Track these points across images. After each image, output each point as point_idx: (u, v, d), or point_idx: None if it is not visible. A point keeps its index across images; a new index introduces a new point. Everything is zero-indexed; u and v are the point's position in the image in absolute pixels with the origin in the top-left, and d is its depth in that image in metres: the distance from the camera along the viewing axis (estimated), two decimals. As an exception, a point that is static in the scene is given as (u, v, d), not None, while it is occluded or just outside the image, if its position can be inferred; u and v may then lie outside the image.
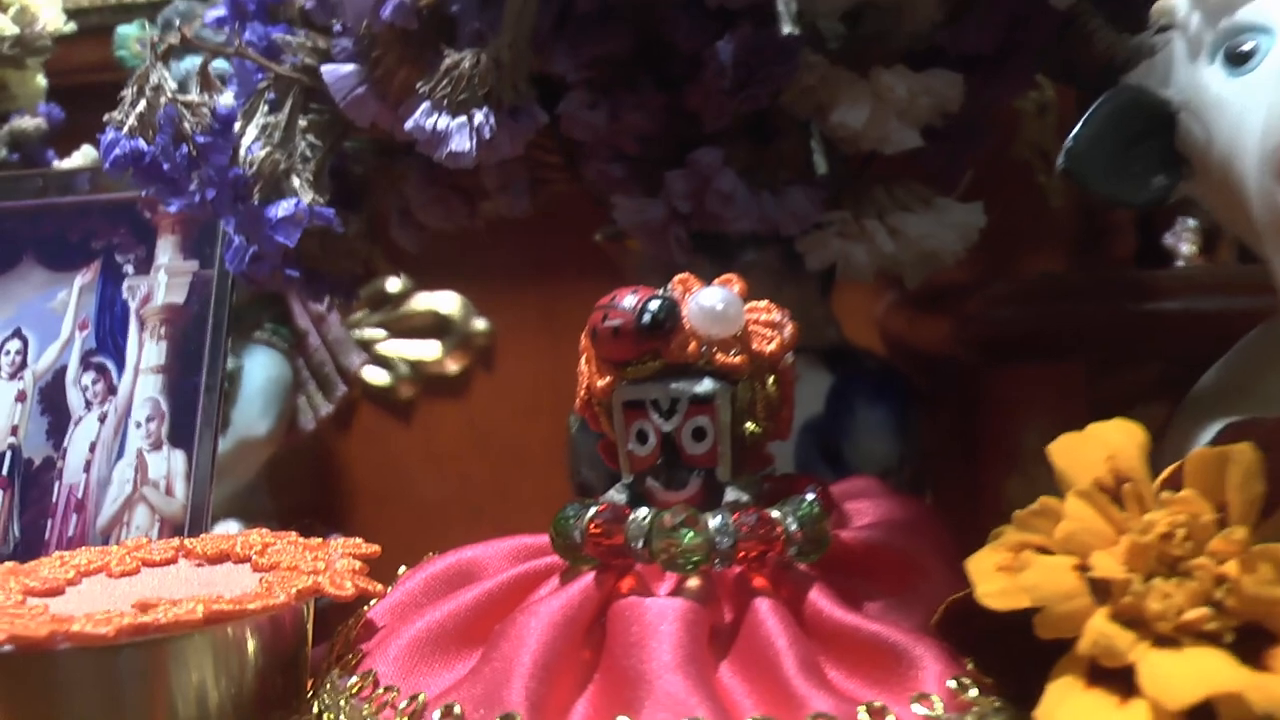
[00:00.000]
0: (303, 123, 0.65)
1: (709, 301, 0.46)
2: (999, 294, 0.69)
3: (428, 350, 1.00)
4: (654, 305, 0.46)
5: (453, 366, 1.01)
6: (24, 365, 0.67)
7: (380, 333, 1.01)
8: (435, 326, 1.01)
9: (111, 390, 0.65)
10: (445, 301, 1.00)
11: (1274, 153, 0.38)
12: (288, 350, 0.89)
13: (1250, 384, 0.47)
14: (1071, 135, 0.44)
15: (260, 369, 0.87)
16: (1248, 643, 0.37)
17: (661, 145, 0.61)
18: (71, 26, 0.94)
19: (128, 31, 0.96)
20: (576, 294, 0.95)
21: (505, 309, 1.00)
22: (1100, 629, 0.38)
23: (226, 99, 0.63)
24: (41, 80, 0.95)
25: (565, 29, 0.59)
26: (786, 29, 0.60)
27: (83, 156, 0.91)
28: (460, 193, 0.68)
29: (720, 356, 0.46)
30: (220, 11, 0.69)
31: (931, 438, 0.71)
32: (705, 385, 0.46)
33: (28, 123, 0.95)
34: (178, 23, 0.94)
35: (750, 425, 0.47)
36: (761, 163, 0.61)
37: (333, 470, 1.01)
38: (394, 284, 1.01)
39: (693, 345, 0.46)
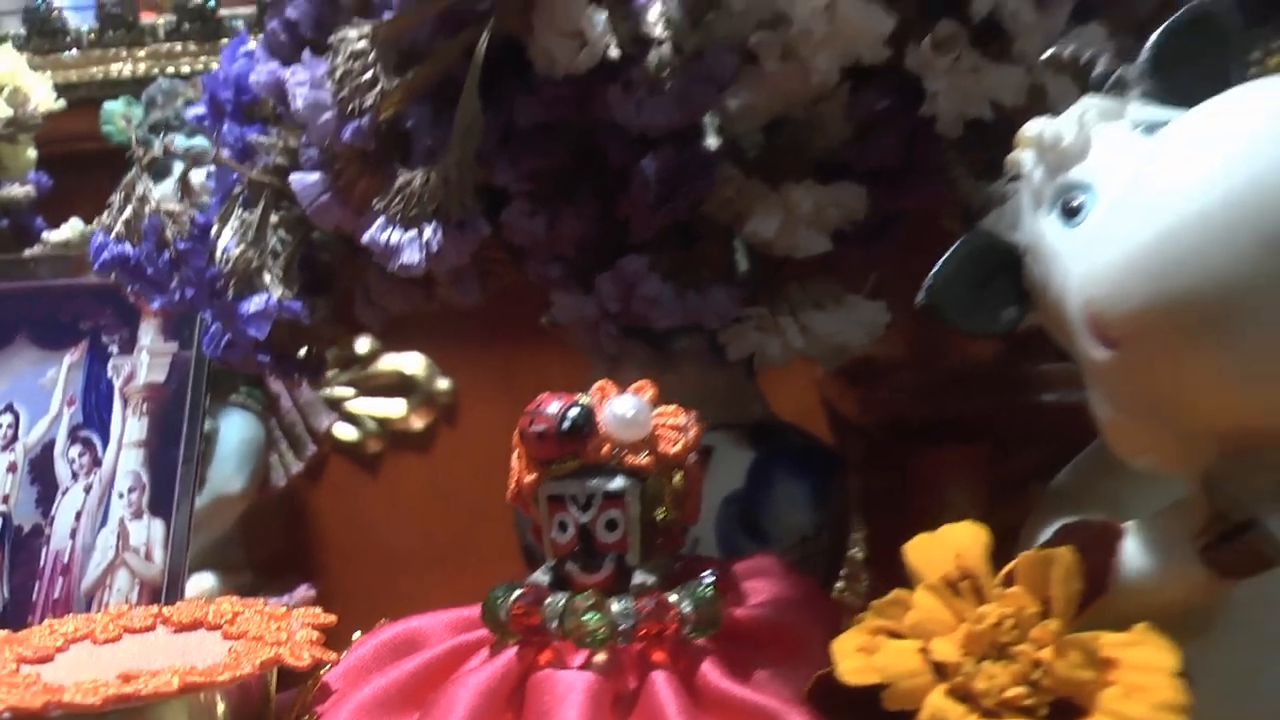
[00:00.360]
0: (274, 219, 0.72)
1: (621, 409, 0.54)
2: (904, 382, 0.77)
3: (394, 408, 1.08)
4: (573, 413, 0.54)
5: (417, 423, 1.08)
6: (15, 438, 0.74)
7: (349, 391, 1.08)
8: (401, 385, 1.08)
9: (96, 463, 0.72)
10: (410, 362, 1.08)
11: (1085, 309, 0.45)
12: (261, 412, 0.97)
13: (1091, 485, 0.54)
14: (931, 274, 0.51)
15: (235, 430, 0.95)
16: (1059, 717, 0.45)
17: (596, 249, 0.69)
18: (61, 104, 1.02)
19: (114, 108, 1.03)
20: (533, 357, 1.03)
21: (467, 370, 1.08)
22: (936, 703, 0.46)
23: (204, 200, 0.70)
24: (31, 152, 1.03)
25: (508, 145, 0.67)
26: (710, 142, 0.68)
27: (70, 229, 0.99)
28: (418, 282, 0.75)
29: (630, 458, 0.54)
30: (200, 110, 0.77)
31: (849, 506, 0.79)
32: (617, 482, 0.54)
33: (17, 191, 1.02)
34: (160, 100, 1.01)
35: (659, 514, 0.55)
36: (686, 265, 0.68)
37: (304, 521, 1.09)
38: (363, 345, 1.09)
39: (606, 448, 0.54)
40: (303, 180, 0.68)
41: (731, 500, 0.73)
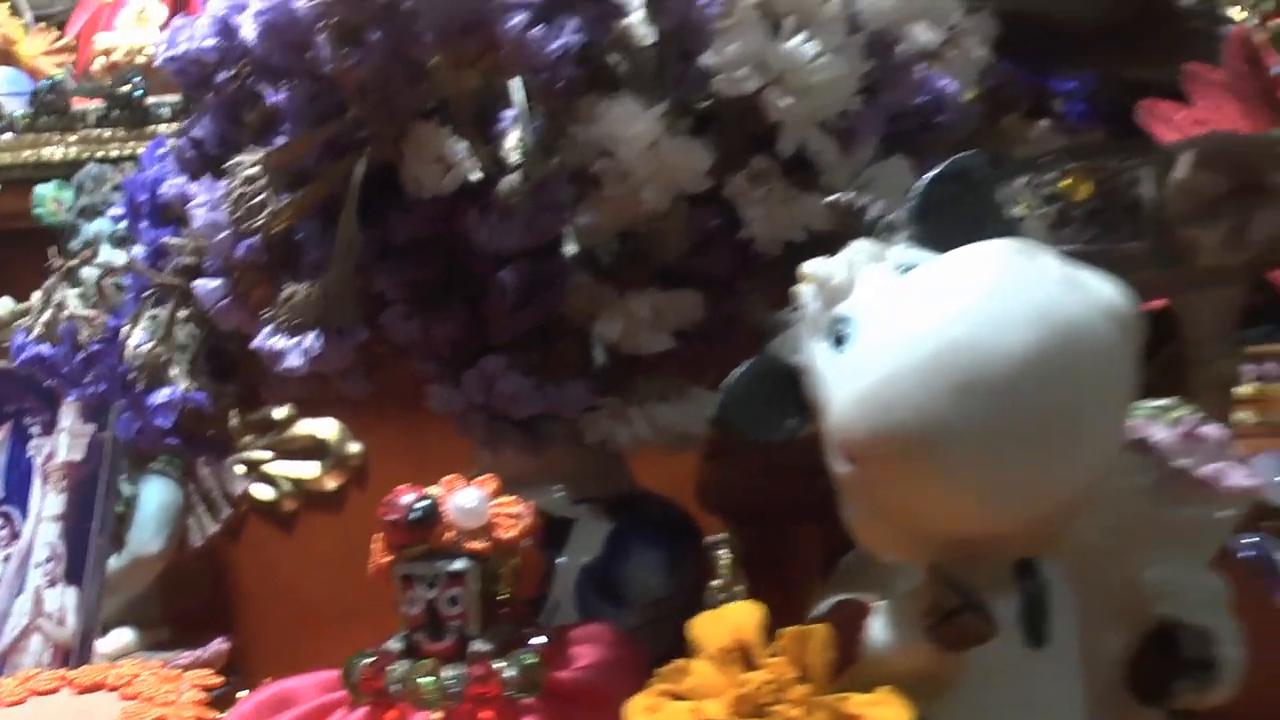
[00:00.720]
0: (183, 314, 0.82)
1: (462, 501, 0.64)
2: (752, 465, 0.86)
3: (308, 470, 1.18)
4: (420, 505, 0.64)
5: (330, 484, 1.18)
6: (-62, 513, 0.84)
7: (267, 454, 1.18)
8: (315, 449, 1.18)
9: (15, 535, 0.82)
10: (324, 427, 1.18)
11: (835, 434, 0.55)
12: (179, 478, 1.06)
13: (867, 566, 0.64)
14: (723, 389, 0.61)
15: (154, 495, 1.04)
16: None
17: (467, 348, 0.78)
18: (-2, 186, 1.11)
19: (45, 191, 1.13)
20: (438, 423, 1.12)
21: (376, 434, 1.18)
22: (706, 754, 0.56)
23: (118, 300, 0.80)
24: (-36, 230, 1.12)
25: (386, 258, 0.77)
26: (569, 249, 0.78)
27: (1, 307, 1.08)
28: (311, 376, 0.85)
29: (470, 543, 0.64)
30: (119, 211, 0.87)
31: (705, 570, 0.89)
32: (458, 564, 0.64)
33: (-51, 269, 1.11)
34: (90, 185, 1.11)
35: (498, 590, 0.65)
36: (544, 362, 0.78)
37: (223, 577, 1.18)
38: (279, 411, 1.18)
39: (449, 534, 0.64)
40: (205, 286, 0.78)
41: (589, 568, 0.83)
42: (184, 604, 1.11)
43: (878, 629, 0.57)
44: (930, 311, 0.52)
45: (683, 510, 0.90)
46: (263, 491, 1.17)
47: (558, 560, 0.84)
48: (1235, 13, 1.04)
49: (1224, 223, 0.80)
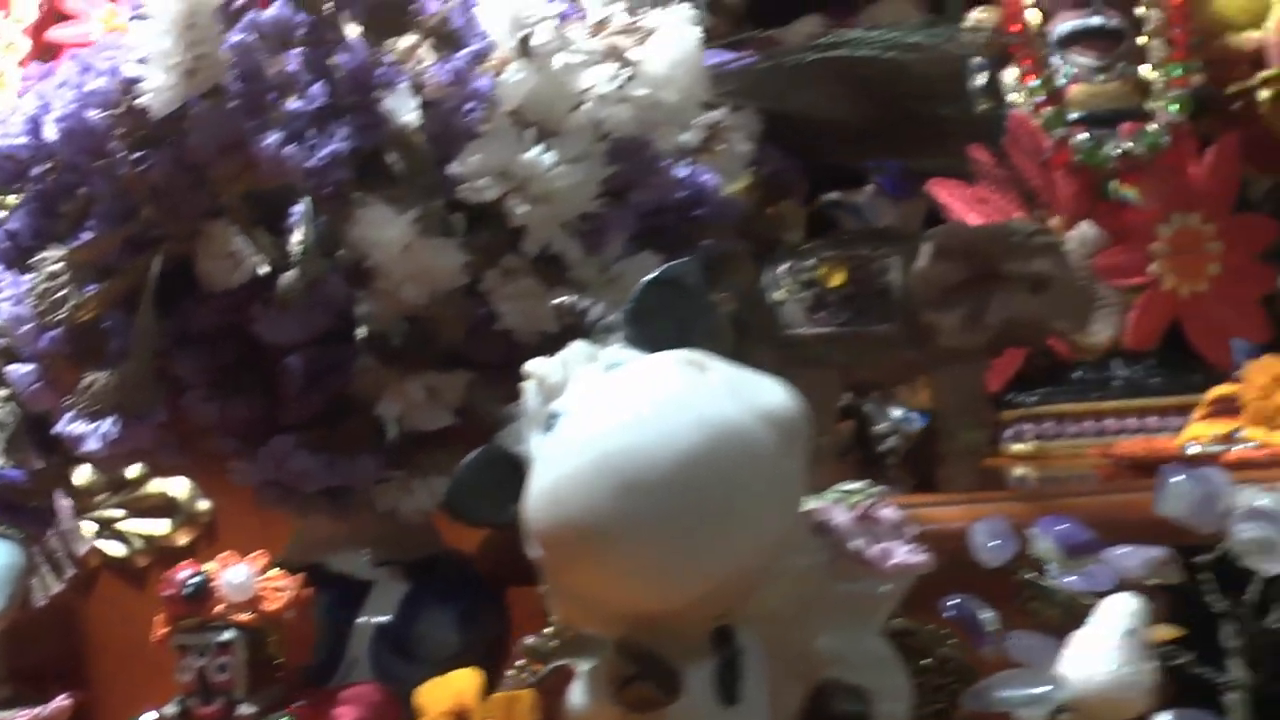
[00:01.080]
0: (4, 393, 0.90)
1: (232, 577, 0.72)
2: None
3: (159, 526, 1.25)
4: (194, 581, 0.72)
5: (181, 540, 1.25)
6: None
7: (120, 512, 1.25)
8: (166, 506, 1.25)
9: None
10: (175, 485, 1.25)
11: (526, 522, 0.63)
12: (23, 539, 1.12)
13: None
14: (452, 478, 0.69)
15: (-2, 556, 1.11)
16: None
17: (263, 427, 0.86)
18: None
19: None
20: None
21: (225, 492, 1.24)
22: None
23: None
24: None
25: (184, 345, 0.85)
26: (360, 333, 0.86)
27: None
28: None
29: (237, 615, 0.72)
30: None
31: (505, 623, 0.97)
32: (226, 635, 0.72)
33: None
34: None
35: (267, 656, 0.73)
36: (334, 439, 0.86)
37: (73, 633, 1.25)
38: (132, 470, 1.25)
39: (219, 607, 0.72)
40: (17, 371, 0.86)
41: (384, 628, 0.91)
42: (29, 661, 1.17)
43: (577, 694, 0.65)
44: (603, 419, 0.60)
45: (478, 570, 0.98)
46: (115, 548, 1.24)
47: (357, 621, 0.92)
48: (1017, 99, 1.14)
49: (962, 308, 0.89)
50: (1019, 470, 1.11)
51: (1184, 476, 0.72)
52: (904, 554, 0.67)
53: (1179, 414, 1.08)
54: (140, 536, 1.25)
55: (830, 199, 1.27)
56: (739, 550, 0.60)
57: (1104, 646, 0.68)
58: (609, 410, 0.61)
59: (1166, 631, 0.70)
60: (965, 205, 1.12)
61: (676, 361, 0.62)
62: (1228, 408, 1.03)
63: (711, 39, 1.34)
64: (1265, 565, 0.70)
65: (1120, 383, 1.12)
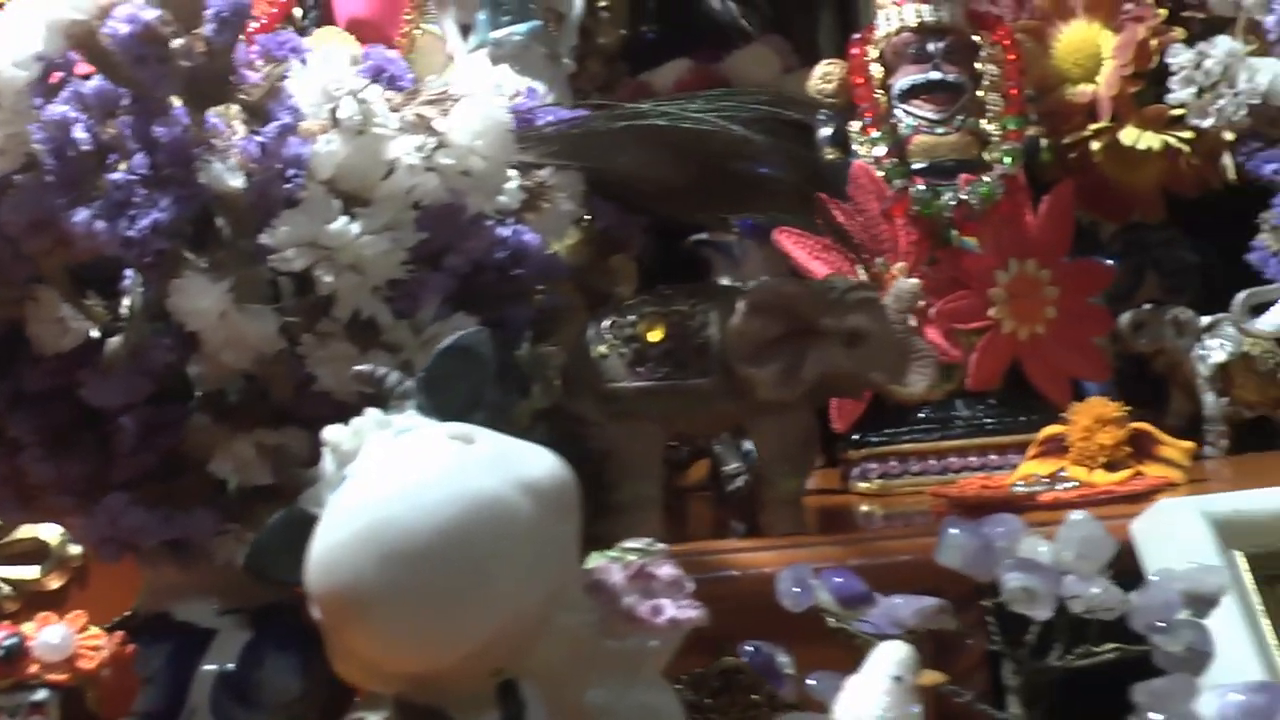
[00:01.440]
0: None
1: (46, 638, 0.77)
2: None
3: (29, 572, 1.29)
4: (6, 644, 0.76)
5: (53, 584, 1.29)
6: None
7: (-11, 558, 1.29)
8: (37, 552, 1.29)
9: None
10: (46, 531, 1.29)
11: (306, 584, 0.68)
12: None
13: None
14: (254, 539, 0.74)
15: None
16: None
17: (100, 484, 0.91)
18: None
19: None
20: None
21: (96, 537, 1.29)
22: None
23: None
24: None
25: (19, 405, 0.89)
26: (197, 392, 0.91)
27: None
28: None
29: (52, 675, 0.77)
30: None
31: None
32: (39, 695, 0.77)
33: None
34: None
35: (86, 713, 0.78)
36: (170, 494, 0.90)
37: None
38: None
39: (35, 667, 0.77)
40: None
41: (225, 676, 0.95)
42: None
43: (370, 749, 0.71)
44: (372, 490, 0.66)
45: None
46: (-14, 593, 1.28)
47: (199, 669, 0.96)
48: (862, 150, 1.20)
49: (777, 363, 0.95)
50: (865, 508, 1.18)
51: (959, 530, 0.78)
52: (675, 610, 0.72)
53: (1017, 452, 1.15)
54: (9, 582, 1.29)
55: (700, 238, 1.34)
56: (496, 614, 0.65)
57: (872, 691, 0.73)
58: (378, 482, 0.66)
59: (934, 677, 0.76)
60: (810, 254, 1.19)
61: (445, 435, 0.67)
62: (1057, 447, 1.10)
63: (584, 81, 1.42)
64: (1032, 612, 0.75)
65: (961, 422, 1.19)
